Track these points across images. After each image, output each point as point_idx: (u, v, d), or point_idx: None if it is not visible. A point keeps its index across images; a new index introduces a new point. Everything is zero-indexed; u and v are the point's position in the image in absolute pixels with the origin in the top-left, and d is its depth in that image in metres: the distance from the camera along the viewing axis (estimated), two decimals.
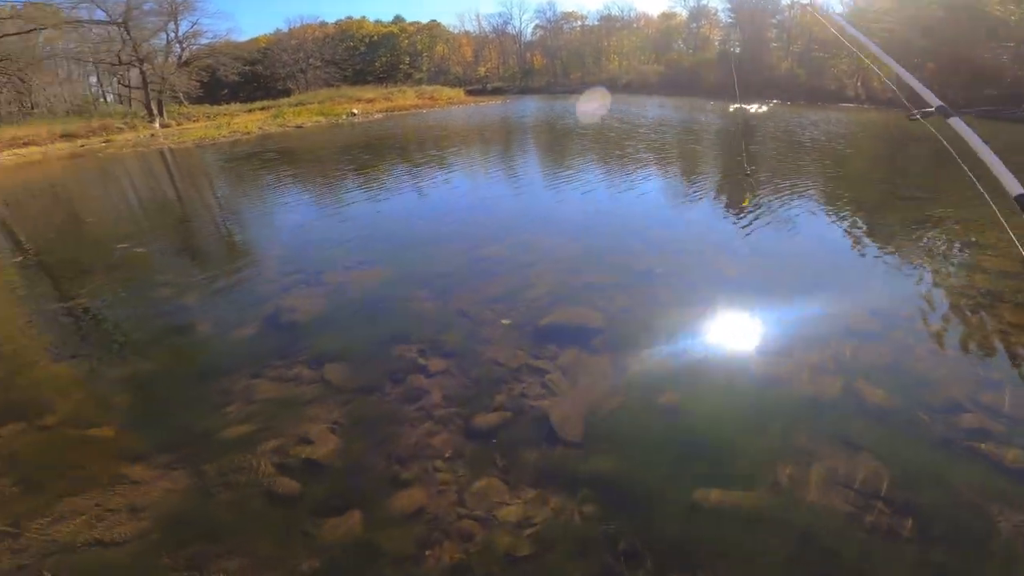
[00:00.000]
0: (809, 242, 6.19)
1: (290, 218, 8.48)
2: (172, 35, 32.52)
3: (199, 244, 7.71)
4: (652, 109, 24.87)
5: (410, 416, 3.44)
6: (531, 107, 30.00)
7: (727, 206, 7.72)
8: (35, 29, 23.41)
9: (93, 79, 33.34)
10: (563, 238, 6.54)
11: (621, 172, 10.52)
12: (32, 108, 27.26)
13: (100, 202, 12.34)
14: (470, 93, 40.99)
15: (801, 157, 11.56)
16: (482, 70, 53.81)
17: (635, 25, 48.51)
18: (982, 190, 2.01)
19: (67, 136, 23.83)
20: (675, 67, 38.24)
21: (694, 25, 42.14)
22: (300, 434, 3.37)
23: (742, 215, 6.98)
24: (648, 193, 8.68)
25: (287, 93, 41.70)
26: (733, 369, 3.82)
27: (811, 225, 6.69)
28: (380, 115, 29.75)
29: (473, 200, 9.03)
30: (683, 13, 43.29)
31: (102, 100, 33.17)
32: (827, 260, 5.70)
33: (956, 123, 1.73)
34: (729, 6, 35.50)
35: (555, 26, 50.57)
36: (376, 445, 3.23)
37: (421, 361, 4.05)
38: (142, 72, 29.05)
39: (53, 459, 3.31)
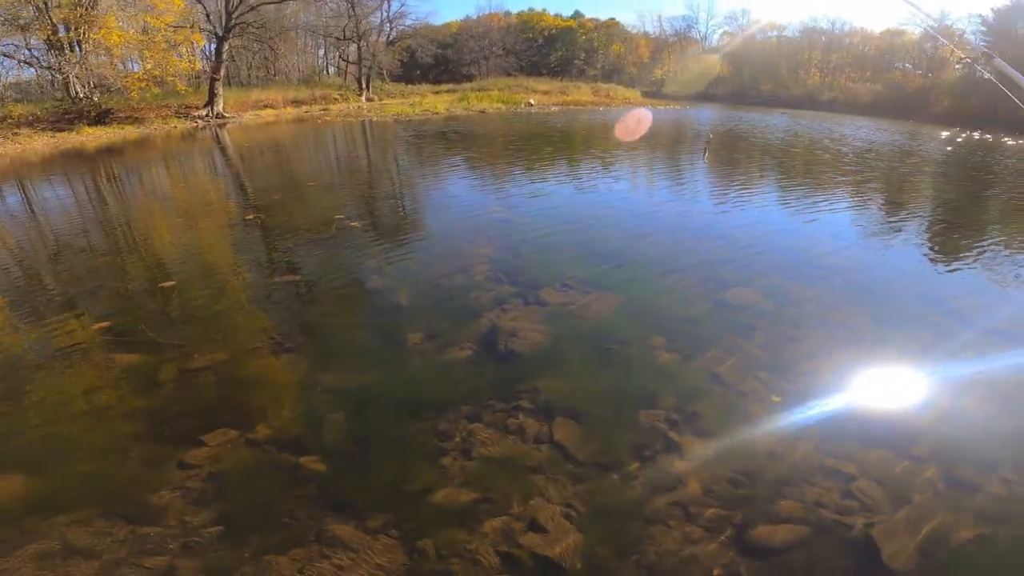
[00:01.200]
0: None
1: (491, 209, 7.74)
2: (385, 14, 35.17)
3: (406, 227, 7.30)
4: (874, 132, 20.66)
5: (664, 512, 2.61)
6: (720, 116, 27.00)
7: None
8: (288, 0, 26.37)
9: (321, 52, 37.52)
10: (829, 291, 4.93)
11: (871, 205, 8.29)
12: (274, 75, 31.36)
13: (317, 166, 13.19)
14: (646, 95, 38.63)
15: None
16: (658, 72, 50.75)
17: (847, 40, 41.68)
18: None
19: (296, 102, 26.89)
20: (896, 87, 32.05)
21: (928, 45, 34.76)
22: (528, 515, 2.59)
23: None
24: (918, 243, 6.56)
25: (469, 78, 43.31)
26: None
27: None
28: (556, 108, 29.13)
29: (698, 222, 7.48)
30: (915, 31, 35.99)
31: (324, 72, 37.24)
32: None
33: None
34: (984, 28, 28.40)
35: (746, 34, 45.65)
36: (625, 550, 2.42)
37: (672, 435, 3.09)
38: (359, 48, 31.76)
39: (258, 492, 2.76)
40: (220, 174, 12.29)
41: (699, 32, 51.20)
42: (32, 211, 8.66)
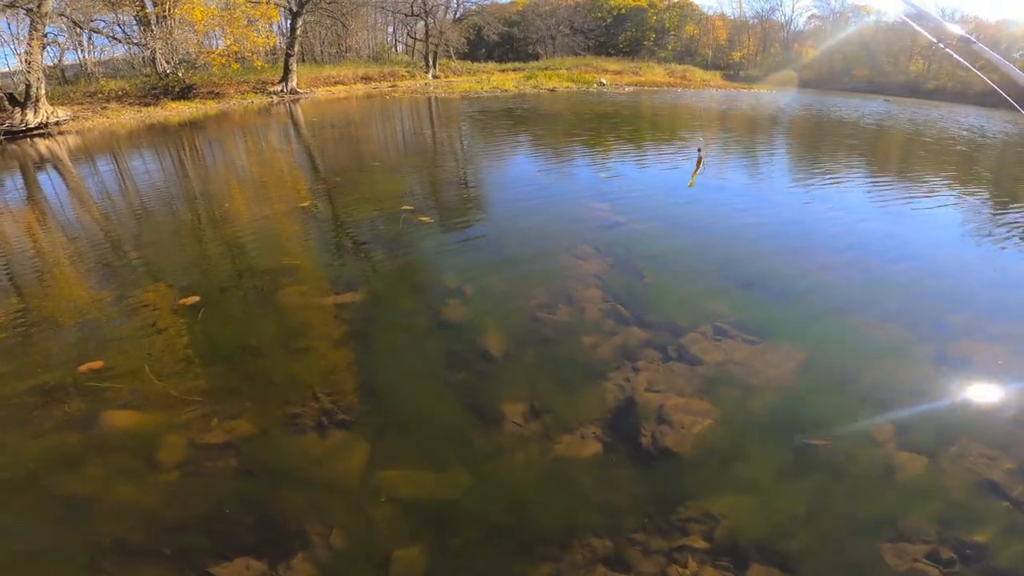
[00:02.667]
0: None
1: (591, 207, 5.99)
2: None
3: (485, 225, 5.69)
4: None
5: None
6: (822, 103, 23.72)
7: None
8: None
9: (390, 29, 36.52)
10: None
11: None
12: (345, 51, 30.71)
13: (383, 143, 12.12)
14: (727, 79, 35.09)
15: None
16: (737, 55, 46.28)
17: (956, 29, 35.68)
18: None
19: (365, 79, 26.09)
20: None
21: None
22: None
23: None
24: None
25: (536, 57, 41.28)
26: None
27: None
28: (630, 88, 26.70)
29: (883, 237, 5.37)
30: None
31: (393, 49, 36.32)
32: None
33: None
34: None
35: (839, 17, 40.43)
36: None
37: None
38: (426, 25, 30.46)
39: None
40: (286, 151, 11.46)
41: (784, 15, 46.05)
42: (113, 187, 8.07)
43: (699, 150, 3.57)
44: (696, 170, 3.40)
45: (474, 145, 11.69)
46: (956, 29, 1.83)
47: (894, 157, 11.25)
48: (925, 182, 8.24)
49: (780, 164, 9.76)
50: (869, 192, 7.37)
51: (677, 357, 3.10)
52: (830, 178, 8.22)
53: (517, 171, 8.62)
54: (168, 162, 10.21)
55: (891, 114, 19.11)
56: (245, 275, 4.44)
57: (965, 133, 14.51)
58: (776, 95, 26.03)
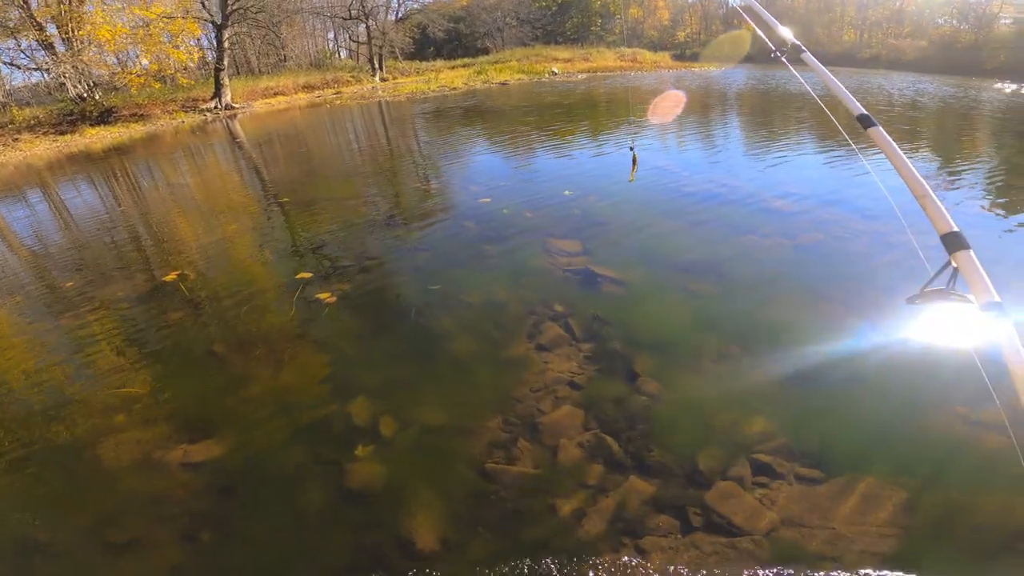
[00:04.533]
0: None
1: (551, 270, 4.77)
2: None
3: (406, 309, 4.53)
4: (950, 88, 16.70)
5: None
6: (771, 78, 22.96)
7: None
8: None
9: (330, 35, 34.02)
10: None
11: None
12: (284, 61, 28.28)
13: (333, 154, 10.52)
14: (675, 59, 34.11)
15: None
16: (681, 35, 45.52)
17: None
18: None
19: (307, 87, 23.96)
20: (945, 44, 27.95)
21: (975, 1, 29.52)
22: None
23: None
24: None
25: (485, 51, 39.49)
26: None
27: None
28: (583, 75, 25.43)
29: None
30: None
31: (336, 55, 33.87)
32: None
33: None
34: None
35: None
36: None
37: None
38: (368, 27, 28.34)
39: None
40: (228, 169, 9.82)
41: None
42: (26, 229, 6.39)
43: (631, 149, 3.05)
44: (634, 168, 3.05)
45: (420, 145, 10.26)
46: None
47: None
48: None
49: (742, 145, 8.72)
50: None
51: (703, 525, 1.93)
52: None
53: (474, 171, 7.43)
54: (91, 192, 8.66)
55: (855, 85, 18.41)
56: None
57: (919, 98, 13.84)
58: (723, 72, 25.17)
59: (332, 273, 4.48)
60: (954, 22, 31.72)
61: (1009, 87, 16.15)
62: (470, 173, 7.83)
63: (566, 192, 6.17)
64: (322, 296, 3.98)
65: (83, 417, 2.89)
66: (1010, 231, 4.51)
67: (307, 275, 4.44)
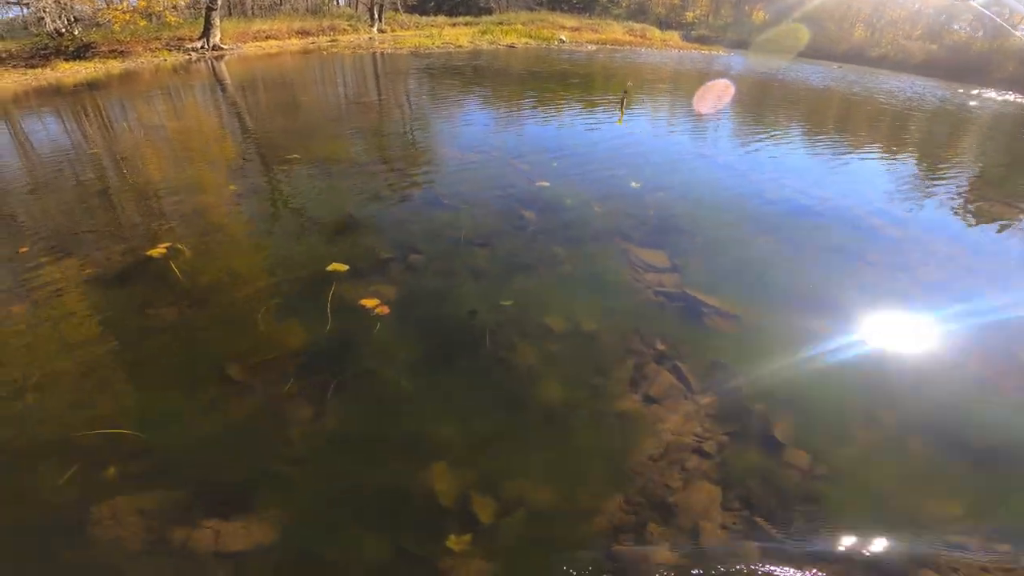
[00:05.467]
0: None
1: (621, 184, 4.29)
2: None
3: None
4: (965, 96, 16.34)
5: None
6: (789, 70, 22.11)
7: None
8: None
9: None
10: None
11: None
12: (280, 3, 25.80)
13: (351, 114, 9.38)
14: (685, 39, 32.73)
15: None
16: (690, 16, 43.74)
17: None
18: None
19: (301, 33, 21.93)
20: (956, 50, 27.57)
21: (995, 9, 29.03)
22: None
23: None
24: None
25: (488, 12, 37.19)
26: None
27: None
28: (593, 46, 24.01)
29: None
30: None
31: (334, 2, 31.13)
32: None
33: None
34: None
35: None
36: None
37: None
38: None
39: None
40: (217, 115, 8.61)
41: None
42: None
43: (624, 91, 2.95)
44: (623, 108, 2.84)
45: (422, 104, 9.19)
46: None
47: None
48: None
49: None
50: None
51: None
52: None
53: (518, 182, 6.41)
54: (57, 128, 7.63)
55: (863, 83, 17.84)
56: None
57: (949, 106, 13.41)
58: (735, 58, 24.20)
59: (371, 268, 3.70)
60: (969, 29, 31.41)
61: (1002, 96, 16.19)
62: (513, 146, 6.84)
63: (633, 183, 5.46)
64: (367, 303, 3.23)
65: (53, 470, 2.13)
66: None
67: (340, 267, 3.66)
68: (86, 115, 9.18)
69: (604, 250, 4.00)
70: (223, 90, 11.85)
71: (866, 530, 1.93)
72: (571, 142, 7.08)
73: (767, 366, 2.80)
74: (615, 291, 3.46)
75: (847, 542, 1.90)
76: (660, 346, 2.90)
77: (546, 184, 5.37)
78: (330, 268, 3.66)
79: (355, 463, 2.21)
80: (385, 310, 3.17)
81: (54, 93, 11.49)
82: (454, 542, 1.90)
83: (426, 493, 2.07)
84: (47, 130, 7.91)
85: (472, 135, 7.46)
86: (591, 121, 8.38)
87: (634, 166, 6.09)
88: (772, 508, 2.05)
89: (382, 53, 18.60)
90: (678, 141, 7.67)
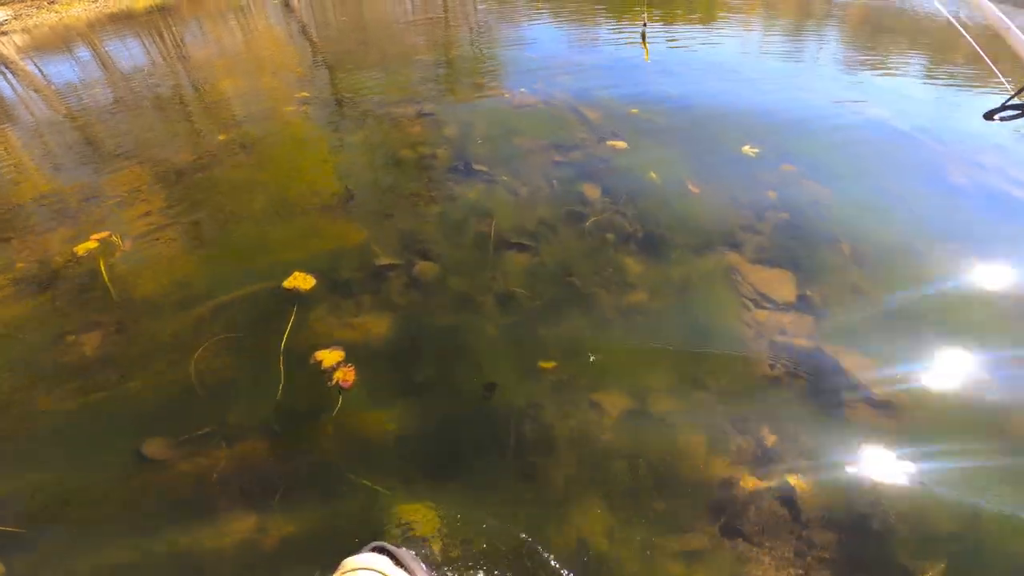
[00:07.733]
0: None
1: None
2: None
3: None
4: None
5: None
6: None
7: None
8: None
9: None
10: None
11: None
12: None
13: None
14: None
15: None
16: None
17: None
18: None
19: None
20: None
21: None
22: None
23: None
24: None
25: None
26: None
27: None
28: None
29: None
30: None
31: None
32: None
33: None
34: None
35: None
36: None
37: None
38: None
39: None
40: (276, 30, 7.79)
41: None
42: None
43: (642, 31, 3.06)
44: (645, 46, 3.00)
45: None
46: None
47: None
48: None
49: None
50: None
51: None
52: None
53: (587, 139, 4.83)
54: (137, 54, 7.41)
55: None
56: None
57: None
58: None
59: (357, 281, 2.65)
60: None
61: None
62: (580, 85, 5.23)
63: (745, 149, 3.78)
64: (325, 362, 2.20)
65: None
66: None
67: (305, 284, 2.65)
68: (164, 39, 8.90)
69: (700, 265, 2.59)
70: (288, 8, 11.04)
71: None
72: (662, 81, 5.25)
73: (940, 513, 1.43)
74: (708, 338, 2.13)
75: None
76: (769, 439, 1.61)
77: (622, 145, 3.86)
78: (287, 284, 2.65)
79: None
80: (351, 377, 2.09)
81: (127, 19, 11.24)
82: None
83: None
84: (131, 54, 7.65)
85: (529, 67, 5.83)
86: (690, 56, 6.33)
87: (747, 126, 4.26)
88: None
89: None
90: (817, 88, 5.50)
